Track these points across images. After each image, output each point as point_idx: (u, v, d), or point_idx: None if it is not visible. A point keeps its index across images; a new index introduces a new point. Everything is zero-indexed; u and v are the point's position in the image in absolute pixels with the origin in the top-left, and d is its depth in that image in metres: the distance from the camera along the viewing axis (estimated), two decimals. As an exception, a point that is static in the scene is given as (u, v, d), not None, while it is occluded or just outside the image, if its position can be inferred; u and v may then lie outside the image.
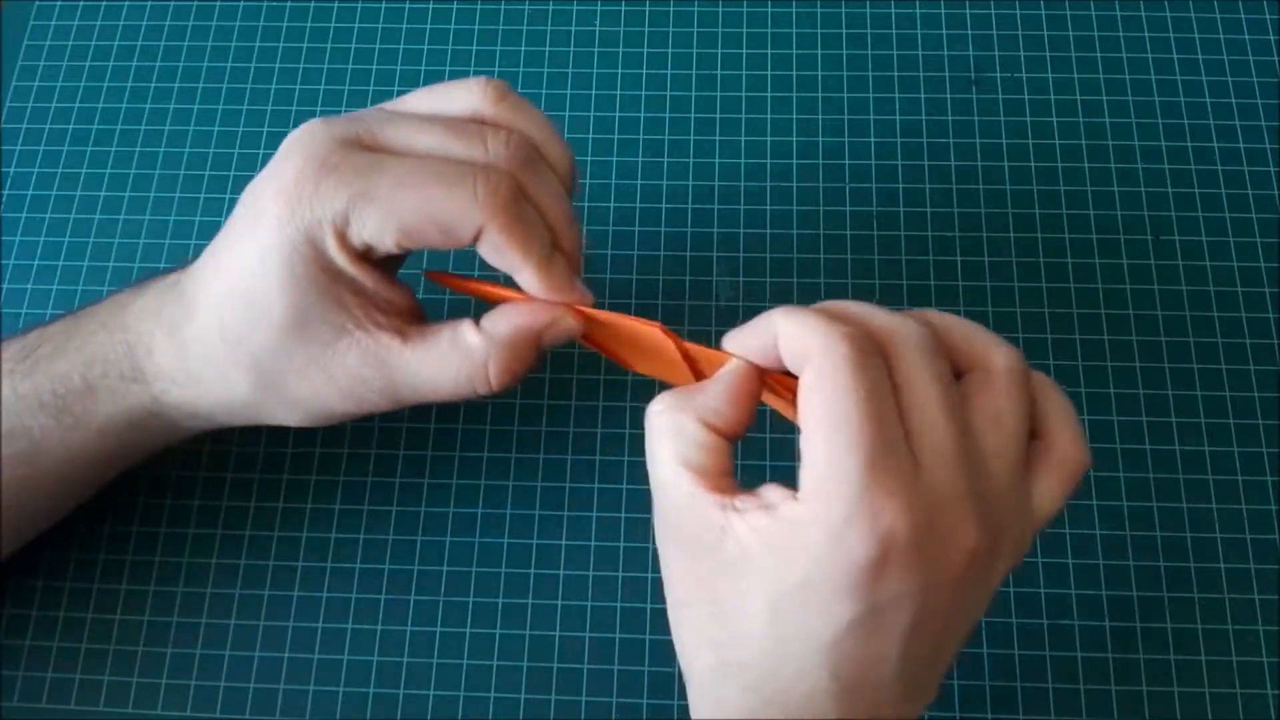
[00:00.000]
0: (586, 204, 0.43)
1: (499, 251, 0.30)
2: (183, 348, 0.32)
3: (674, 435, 0.27)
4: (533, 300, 0.31)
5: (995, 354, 0.27)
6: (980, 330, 0.28)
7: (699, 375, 0.30)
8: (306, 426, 0.33)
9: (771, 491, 0.26)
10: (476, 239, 0.29)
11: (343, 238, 0.29)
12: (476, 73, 0.45)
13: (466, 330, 0.31)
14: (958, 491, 0.25)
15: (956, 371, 0.28)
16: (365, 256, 0.30)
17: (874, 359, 0.26)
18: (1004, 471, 0.26)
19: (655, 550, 0.37)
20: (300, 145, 0.30)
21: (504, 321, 0.31)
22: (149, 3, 0.48)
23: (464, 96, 0.31)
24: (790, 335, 0.27)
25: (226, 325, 0.31)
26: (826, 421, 0.25)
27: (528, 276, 0.30)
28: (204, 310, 0.31)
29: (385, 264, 0.31)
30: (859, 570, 0.25)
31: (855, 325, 0.26)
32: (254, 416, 0.33)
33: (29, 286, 0.42)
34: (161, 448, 0.35)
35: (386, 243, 0.29)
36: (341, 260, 0.30)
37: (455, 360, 0.31)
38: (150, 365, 0.32)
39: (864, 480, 0.24)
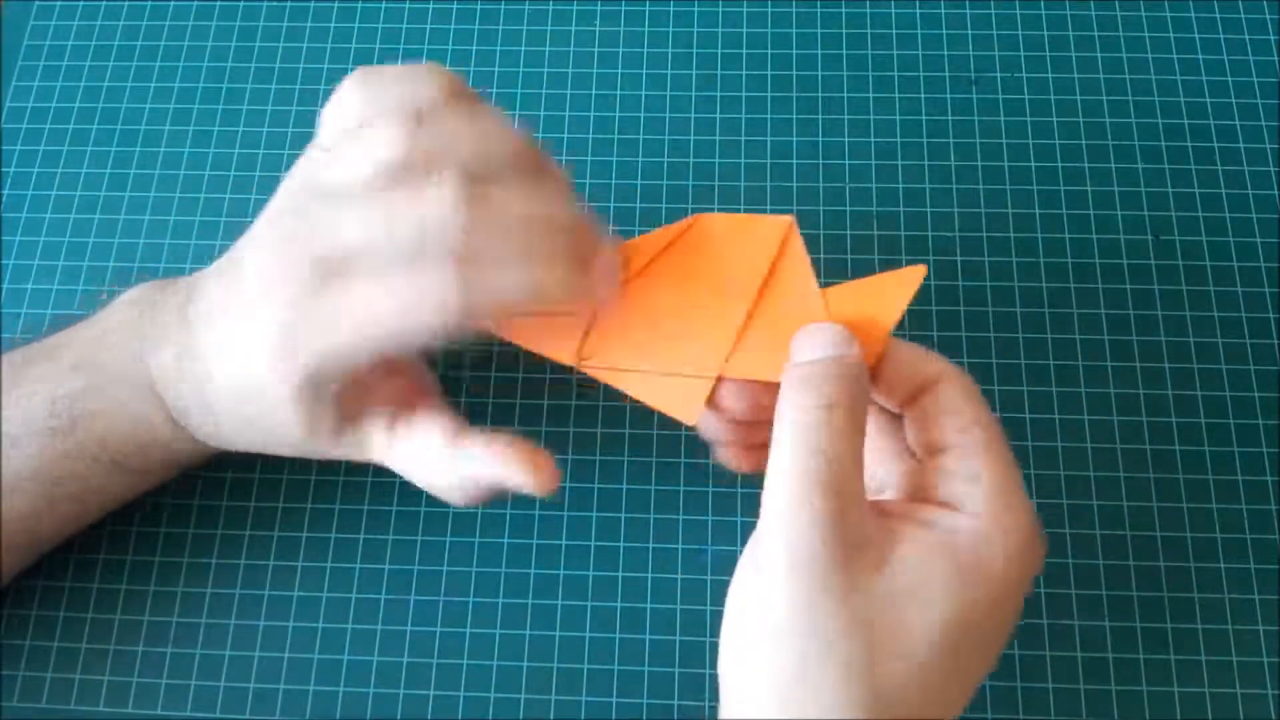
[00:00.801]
0: (587, 205, 0.43)
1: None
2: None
3: (862, 433, 0.26)
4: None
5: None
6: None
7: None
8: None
9: (917, 507, 0.26)
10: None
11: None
12: (476, 73, 0.46)
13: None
14: None
15: (910, 395, 0.29)
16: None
17: None
18: None
19: (655, 550, 0.37)
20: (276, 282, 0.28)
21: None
22: (149, 3, 0.48)
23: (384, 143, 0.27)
24: (918, 356, 0.28)
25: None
26: (997, 441, 0.27)
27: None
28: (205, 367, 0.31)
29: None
30: (1027, 581, 0.26)
31: None
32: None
33: (29, 286, 0.42)
34: (146, 479, 0.35)
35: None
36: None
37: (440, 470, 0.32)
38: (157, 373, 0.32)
39: (1028, 504, 0.26)
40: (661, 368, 0.29)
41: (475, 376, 0.40)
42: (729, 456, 0.31)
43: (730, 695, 0.26)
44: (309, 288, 0.27)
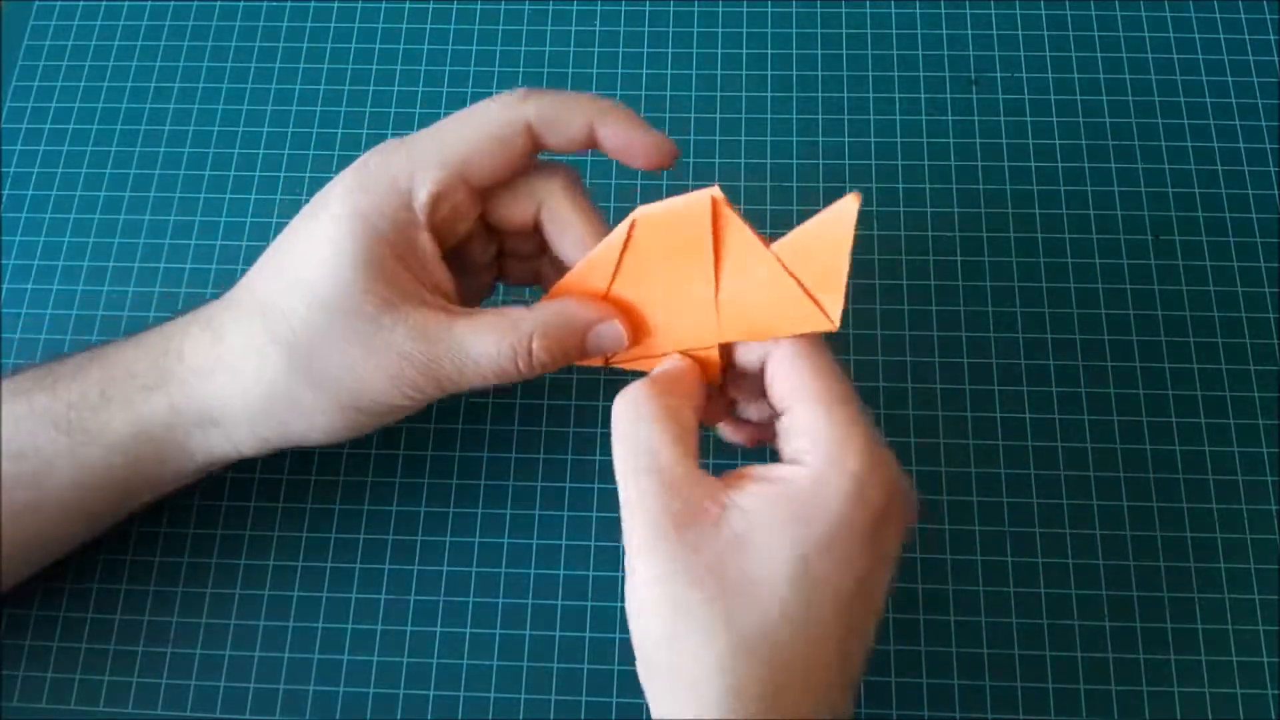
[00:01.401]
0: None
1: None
2: (218, 333, 0.31)
3: (672, 419, 0.28)
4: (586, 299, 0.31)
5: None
6: None
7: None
8: (332, 439, 0.32)
9: (758, 468, 0.28)
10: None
11: (404, 203, 0.30)
12: (476, 72, 0.46)
13: (515, 308, 0.31)
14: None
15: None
16: (436, 227, 0.31)
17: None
18: None
19: (655, 550, 0.37)
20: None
21: (554, 305, 0.31)
22: (149, 3, 0.48)
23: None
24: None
25: (270, 300, 0.30)
26: (829, 394, 0.28)
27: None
28: (247, 291, 0.31)
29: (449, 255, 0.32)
30: (877, 517, 0.27)
31: None
32: (276, 415, 0.31)
33: (29, 286, 0.42)
34: (169, 481, 0.34)
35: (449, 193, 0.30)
36: (420, 216, 0.30)
37: (501, 329, 0.30)
38: (176, 368, 0.32)
39: (872, 439, 0.27)
40: (673, 349, 0.31)
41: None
42: (726, 431, 0.34)
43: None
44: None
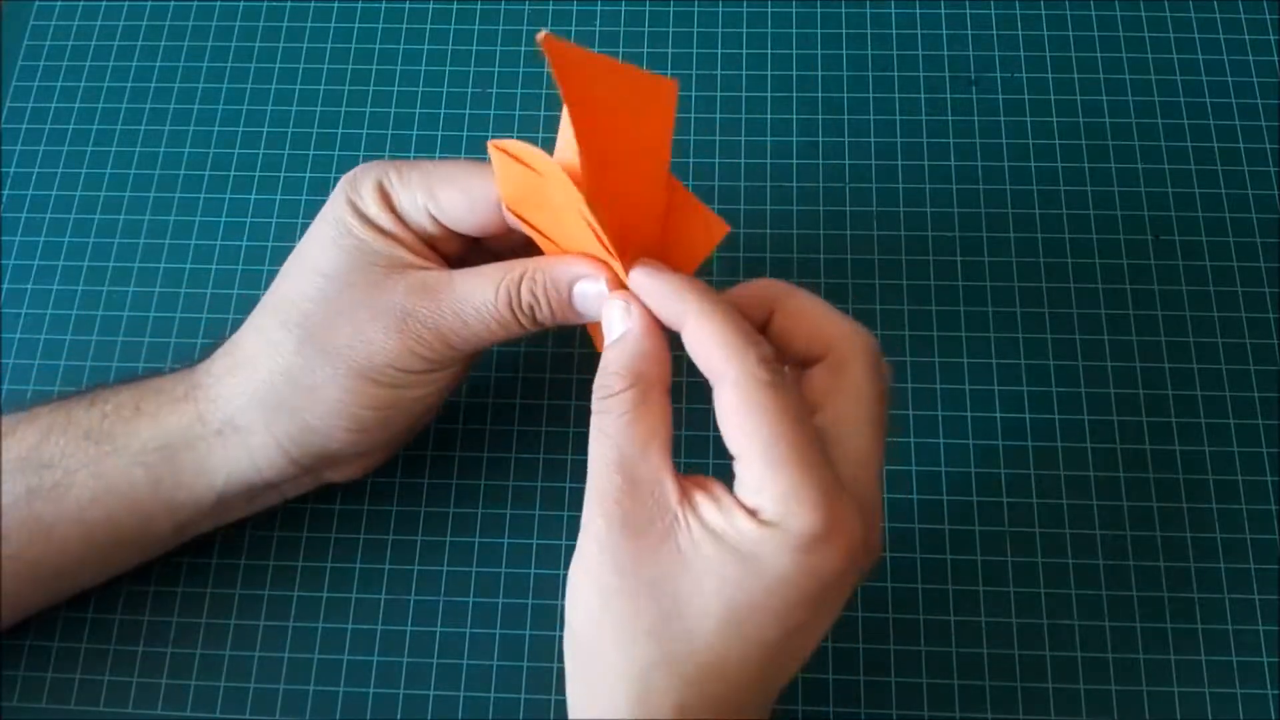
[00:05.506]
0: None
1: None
2: (237, 340, 0.33)
3: (646, 411, 0.27)
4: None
5: (858, 341, 0.29)
6: (834, 312, 0.30)
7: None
8: (357, 434, 0.32)
9: (722, 493, 0.27)
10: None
11: (385, 197, 0.32)
12: (477, 73, 0.46)
13: (509, 258, 0.32)
14: (876, 498, 0.28)
15: (812, 355, 0.29)
16: (407, 226, 0.32)
17: (785, 377, 0.27)
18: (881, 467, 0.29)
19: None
20: None
21: (544, 258, 0.32)
22: (149, 3, 0.48)
23: None
24: (703, 344, 0.27)
25: (281, 293, 0.32)
26: (781, 446, 0.26)
27: None
28: (264, 297, 0.33)
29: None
30: (825, 586, 0.26)
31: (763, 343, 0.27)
32: (289, 404, 0.31)
33: (29, 286, 0.42)
34: (187, 509, 0.33)
35: (419, 208, 0.31)
36: (384, 218, 0.31)
37: (495, 272, 0.31)
38: (203, 379, 0.33)
39: (829, 497, 0.26)
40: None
41: (475, 377, 0.40)
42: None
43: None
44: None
